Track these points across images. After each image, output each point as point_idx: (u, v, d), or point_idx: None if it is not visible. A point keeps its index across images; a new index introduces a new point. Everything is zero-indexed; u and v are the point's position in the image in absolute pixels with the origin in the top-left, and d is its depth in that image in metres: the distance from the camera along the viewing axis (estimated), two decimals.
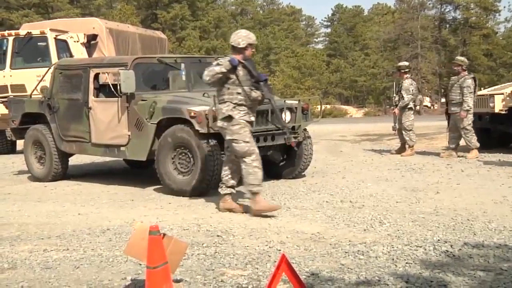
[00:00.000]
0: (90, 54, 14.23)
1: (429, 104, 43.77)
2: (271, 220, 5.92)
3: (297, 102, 8.20)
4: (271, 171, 8.56)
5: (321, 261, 4.48)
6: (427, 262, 4.36)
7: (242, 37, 6.23)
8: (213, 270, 4.33)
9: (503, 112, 10.49)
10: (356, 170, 9.28)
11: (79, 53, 13.58)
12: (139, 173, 9.88)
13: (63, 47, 13.08)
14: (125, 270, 4.40)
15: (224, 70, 6.07)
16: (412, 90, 10.90)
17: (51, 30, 12.92)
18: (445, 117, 11.25)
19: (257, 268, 4.33)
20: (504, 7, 53.82)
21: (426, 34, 44.18)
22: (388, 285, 3.91)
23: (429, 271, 4.15)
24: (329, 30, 73.32)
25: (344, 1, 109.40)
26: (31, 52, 12.91)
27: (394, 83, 11.69)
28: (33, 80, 12.37)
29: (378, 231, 5.34)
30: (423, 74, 41.89)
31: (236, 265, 4.44)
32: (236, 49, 6.24)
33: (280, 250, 4.76)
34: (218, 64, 6.08)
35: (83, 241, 5.30)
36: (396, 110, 10.89)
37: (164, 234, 3.81)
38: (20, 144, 14.68)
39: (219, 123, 6.25)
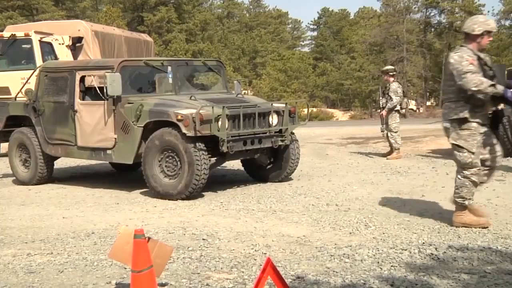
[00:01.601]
0: (75, 56, 14.12)
1: (414, 108, 44.05)
2: (257, 223, 5.92)
3: (284, 105, 8.18)
4: (258, 174, 8.61)
5: (307, 264, 4.48)
6: (412, 265, 4.38)
7: (478, 22, 5.28)
8: (198, 273, 4.32)
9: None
10: (342, 173, 9.31)
11: (64, 55, 13.46)
12: (124, 176, 9.83)
13: (48, 49, 12.95)
14: (110, 274, 4.38)
15: (493, 91, 5.13)
16: (400, 92, 10.95)
17: (36, 32, 12.80)
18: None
19: (242, 272, 4.33)
20: (488, 11, 54.35)
21: (411, 38, 44.46)
22: None
23: (414, 274, 4.17)
24: (315, 33, 73.57)
25: (330, 5, 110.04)
26: (15, 54, 12.77)
27: (380, 86, 11.72)
28: (17, 82, 12.24)
29: (364, 234, 5.36)
30: (408, 77, 42.15)
31: (221, 268, 4.43)
32: (469, 37, 5.30)
33: (265, 253, 4.76)
34: (492, 85, 5.12)
35: (67, 245, 5.27)
36: (384, 112, 10.92)
37: (149, 238, 3.79)
38: (4, 147, 14.56)
39: (446, 124, 5.44)
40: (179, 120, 7.16)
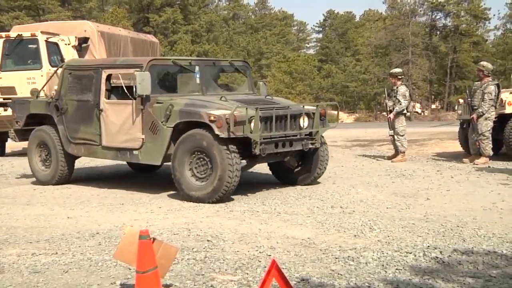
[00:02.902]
0: (81, 57, 14.16)
1: (419, 111, 43.95)
2: (262, 225, 5.91)
3: (315, 107, 7.97)
4: (286, 177, 8.41)
5: (312, 266, 4.48)
6: (417, 268, 4.37)
7: None
8: (203, 275, 4.31)
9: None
10: (346, 175, 9.29)
11: (70, 56, 13.48)
12: (130, 176, 9.84)
13: (54, 50, 13.00)
14: (115, 275, 4.38)
15: None
16: (407, 96, 10.92)
17: (42, 32, 12.84)
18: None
19: (247, 274, 4.32)
20: (494, 15, 54.40)
21: (417, 41, 44.40)
22: None
23: (419, 277, 4.16)
24: (320, 35, 73.58)
25: (336, 7, 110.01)
26: (21, 54, 12.82)
27: (385, 89, 11.68)
28: (23, 82, 12.30)
29: (368, 237, 5.35)
30: (413, 80, 42.09)
31: (226, 270, 4.43)
32: None
33: (270, 255, 4.76)
34: None
35: (72, 245, 5.27)
36: (391, 115, 10.87)
37: (154, 239, 3.80)
38: (9, 146, 14.60)
39: None
40: (211, 121, 6.97)
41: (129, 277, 4.26)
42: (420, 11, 47.65)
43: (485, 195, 7.37)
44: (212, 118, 6.98)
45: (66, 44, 13.49)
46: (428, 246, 4.95)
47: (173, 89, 8.21)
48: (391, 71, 11.72)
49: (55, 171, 8.84)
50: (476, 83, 10.55)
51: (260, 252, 4.89)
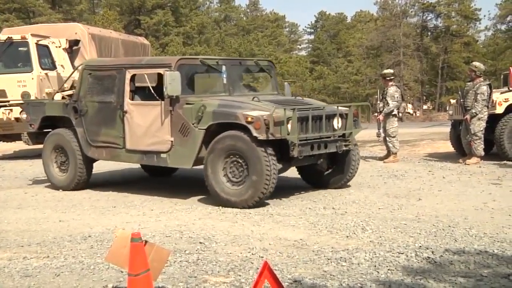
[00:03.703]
0: (72, 60, 14.13)
1: (411, 111, 44.10)
2: (254, 227, 5.91)
3: (348, 108, 7.71)
4: (317, 180, 8.15)
5: (304, 268, 4.48)
6: (409, 269, 4.39)
7: None
8: (195, 277, 4.31)
9: None
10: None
11: (61, 58, 13.47)
12: (121, 179, 9.80)
13: (44, 52, 12.96)
14: (107, 278, 4.37)
15: None
16: (397, 97, 10.94)
17: (32, 35, 12.80)
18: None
19: (239, 275, 4.32)
20: (484, 15, 54.52)
21: (408, 42, 44.53)
22: None
23: (410, 278, 4.17)
24: (312, 37, 73.56)
25: (327, 8, 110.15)
26: (11, 57, 12.76)
27: (378, 90, 11.71)
28: (14, 85, 12.25)
29: (361, 238, 5.36)
30: (405, 81, 42.22)
31: (218, 272, 4.43)
32: None
33: (262, 257, 4.76)
34: None
35: (64, 248, 5.25)
36: (381, 116, 10.90)
37: (146, 241, 3.79)
38: (0, 150, 14.53)
39: None
40: (248, 122, 6.73)
41: (121, 280, 4.24)
42: (411, 12, 47.81)
43: (476, 195, 7.41)
44: (249, 119, 6.74)
45: (57, 46, 13.46)
46: (420, 246, 4.96)
47: (201, 90, 7.95)
48: (381, 73, 11.75)
49: (73, 176, 8.51)
50: (468, 83, 10.60)
51: (252, 254, 4.90)
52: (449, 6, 46.48)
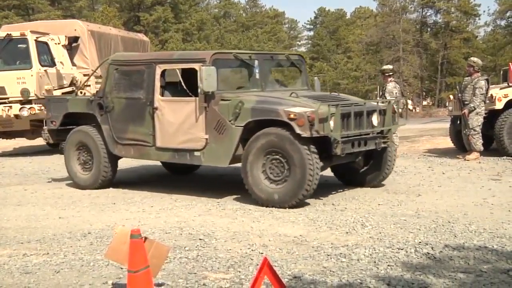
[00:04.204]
0: (71, 56, 14.12)
1: (411, 107, 44.07)
2: (254, 223, 5.92)
3: (386, 104, 7.50)
4: (352, 179, 7.88)
5: (304, 264, 4.48)
6: (408, 264, 4.39)
7: None
8: (195, 273, 4.31)
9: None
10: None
11: (60, 55, 13.46)
12: (120, 176, 9.79)
13: (44, 49, 12.95)
14: (107, 274, 4.37)
15: None
16: (396, 93, 10.93)
17: (32, 32, 12.78)
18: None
19: (239, 272, 4.32)
20: (484, 11, 54.59)
21: (407, 38, 44.49)
22: (370, 287, 3.93)
23: (410, 273, 4.18)
24: (312, 33, 73.51)
25: (327, 4, 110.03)
26: (11, 54, 12.74)
27: (378, 86, 11.71)
28: (13, 82, 12.24)
29: (360, 234, 5.36)
30: (405, 77, 42.20)
31: (218, 268, 4.43)
32: None
33: (262, 253, 4.76)
34: None
35: (63, 245, 5.25)
36: None
37: (146, 238, 3.79)
38: (0, 147, 14.52)
39: None
40: (291, 119, 6.48)
41: (121, 277, 4.25)
42: (411, 8, 47.75)
43: (476, 191, 7.41)
44: (292, 116, 6.49)
45: (56, 43, 13.45)
46: (420, 242, 4.97)
47: (234, 85, 7.72)
48: (380, 68, 11.73)
49: (97, 175, 8.26)
50: (466, 78, 10.60)
51: (252, 250, 4.90)
52: (449, 1, 46.41)
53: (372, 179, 7.78)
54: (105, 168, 8.21)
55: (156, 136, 7.61)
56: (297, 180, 6.52)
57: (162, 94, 7.68)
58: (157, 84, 7.58)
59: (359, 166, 7.74)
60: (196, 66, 7.16)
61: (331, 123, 6.53)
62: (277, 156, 6.69)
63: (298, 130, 6.44)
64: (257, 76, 7.71)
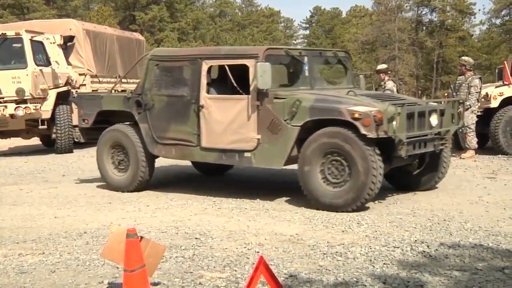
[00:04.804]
0: (66, 56, 14.09)
1: None
2: (250, 222, 5.92)
3: (445, 104, 7.17)
4: (404, 182, 7.44)
5: (300, 262, 4.49)
6: (404, 263, 4.40)
7: None
8: (191, 272, 4.31)
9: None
10: None
11: (55, 55, 13.43)
12: None
13: (39, 48, 12.90)
14: (102, 274, 4.37)
15: None
16: (395, 91, 10.97)
17: (27, 31, 12.74)
18: None
19: (235, 270, 4.33)
20: (479, 10, 54.62)
21: (403, 36, 44.62)
22: (365, 286, 3.94)
23: (406, 272, 4.19)
24: (307, 32, 73.63)
25: (322, 3, 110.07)
26: (5, 53, 12.68)
27: (374, 85, 11.72)
28: (8, 81, 12.20)
29: (356, 232, 5.37)
30: (400, 75, 42.29)
31: (214, 267, 4.43)
32: None
33: (258, 252, 4.76)
34: None
35: (59, 245, 5.24)
36: None
37: (142, 237, 3.79)
38: None
39: None
40: (355, 119, 6.13)
41: (117, 276, 4.24)
42: (406, 6, 47.89)
43: (471, 189, 7.43)
44: (356, 115, 6.14)
45: (51, 42, 13.42)
46: (415, 240, 4.98)
47: (285, 83, 7.38)
48: (376, 69, 11.74)
49: (134, 176, 7.82)
50: (460, 77, 10.65)
51: (248, 249, 4.90)
52: (444, 0, 46.54)
53: (426, 182, 7.38)
54: (142, 169, 7.78)
55: (201, 135, 7.23)
56: (359, 184, 6.15)
57: (208, 92, 7.26)
58: (203, 81, 7.20)
59: (413, 168, 7.37)
60: (247, 62, 6.83)
61: (395, 123, 6.20)
62: (338, 158, 6.32)
63: (363, 131, 6.09)
64: (306, 73, 7.41)
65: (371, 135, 6.09)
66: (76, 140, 8.65)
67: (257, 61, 6.64)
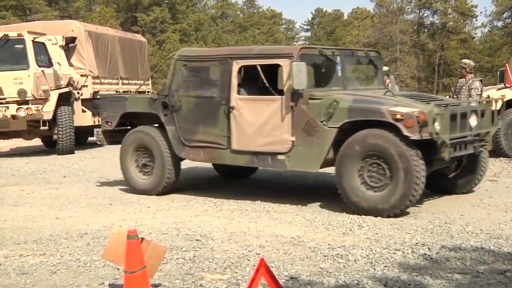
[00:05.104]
0: (68, 57, 14.11)
1: None
2: (251, 223, 5.91)
3: (485, 104, 7.02)
4: (440, 185, 7.19)
5: (300, 264, 4.48)
6: (405, 265, 4.39)
7: None
8: (192, 274, 4.31)
9: None
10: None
11: (57, 56, 13.44)
12: (117, 176, 9.75)
13: (41, 50, 12.91)
14: (103, 275, 4.36)
15: None
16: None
17: (29, 32, 12.75)
18: None
19: (236, 272, 4.32)
20: (481, 12, 54.77)
21: (405, 38, 44.65)
22: None
23: (407, 274, 4.18)
24: (309, 33, 73.64)
25: (324, 5, 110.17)
26: (8, 54, 12.70)
27: None
28: (10, 82, 12.22)
29: (357, 235, 5.37)
30: (402, 78, 42.27)
31: (215, 269, 4.43)
32: None
33: (259, 254, 4.76)
34: None
35: (60, 246, 5.24)
36: None
37: (143, 239, 3.79)
38: None
39: None
40: (397, 120, 5.93)
41: (117, 277, 4.24)
42: (408, 8, 47.93)
43: (472, 192, 7.41)
44: (398, 116, 5.94)
45: (53, 44, 13.44)
46: (417, 243, 4.97)
47: (319, 83, 7.14)
48: None
49: (159, 179, 7.65)
50: (461, 80, 10.66)
51: (249, 251, 4.90)
52: (446, 2, 46.56)
53: (463, 185, 7.21)
54: (168, 172, 7.60)
55: (231, 138, 7.04)
56: (401, 188, 5.95)
57: (238, 92, 7.09)
58: (234, 81, 7.01)
59: (450, 171, 7.12)
60: (281, 61, 6.66)
61: (437, 124, 6.01)
62: (377, 161, 6.12)
63: (406, 132, 5.90)
64: (339, 73, 7.25)
65: (414, 136, 5.89)
66: (98, 143, 8.37)
67: (292, 60, 6.48)
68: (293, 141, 6.62)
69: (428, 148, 6.10)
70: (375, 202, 6.11)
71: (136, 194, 7.78)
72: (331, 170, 9.65)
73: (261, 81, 6.92)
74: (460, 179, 7.18)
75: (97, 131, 8.29)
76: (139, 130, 7.93)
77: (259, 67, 6.87)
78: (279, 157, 6.75)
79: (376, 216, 6.05)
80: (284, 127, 6.66)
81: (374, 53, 8.04)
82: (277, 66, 6.71)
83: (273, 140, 6.74)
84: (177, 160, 7.66)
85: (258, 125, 6.84)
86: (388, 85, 8.61)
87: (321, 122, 6.43)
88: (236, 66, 7.01)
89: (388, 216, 6.03)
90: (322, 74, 7.29)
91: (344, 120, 6.32)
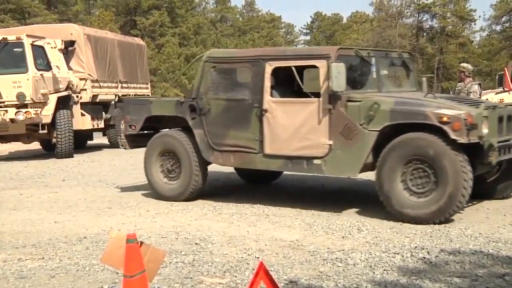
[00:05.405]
0: (67, 60, 14.12)
1: None
2: (250, 227, 5.91)
3: None
4: (478, 190, 6.61)
5: (300, 268, 4.48)
6: (404, 269, 4.40)
7: None
8: (191, 278, 4.31)
9: None
10: (334, 177, 9.30)
11: (56, 59, 13.45)
12: (115, 180, 9.75)
13: (39, 53, 12.93)
14: (102, 279, 4.36)
15: None
16: None
17: (28, 36, 12.76)
18: None
19: (235, 276, 4.32)
20: (480, 16, 54.82)
21: (404, 42, 44.74)
22: None
23: (406, 278, 4.18)
24: (308, 37, 73.79)
25: (323, 9, 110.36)
26: (6, 58, 12.70)
27: None
28: (9, 86, 12.22)
29: (356, 238, 5.37)
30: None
31: (214, 273, 4.43)
32: None
33: (258, 257, 4.76)
34: None
35: (59, 250, 5.24)
36: None
37: (142, 242, 3.78)
38: None
39: None
40: (443, 123, 5.71)
41: (116, 281, 4.24)
42: (407, 12, 48.04)
43: (471, 195, 7.40)
44: (445, 119, 5.72)
45: (52, 47, 13.45)
46: (416, 247, 4.98)
47: (355, 85, 6.88)
48: None
49: (186, 184, 7.41)
50: (459, 84, 10.69)
51: (248, 255, 4.89)
52: (445, 6, 46.68)
53: (501, 190, 7.00)
54: (195, 177, 7.38)
55: (264, 141, 6.81)
56: (447, 194, 5.72)
57: (271, 95, 6.87)
58: (267, 83, 6.79)
59: (489, 175, 6.82)
60: (317, 62, 6.43)
61: (484, 127, 5.82)
62: (421, 166, 5.89)
63: (453, 136, 5.67)
64: (374, 75, 7.09)
65: (462, 140, 5.68)
66: (121, 147, 8.24)
67: (330, 61, 6.27)
68: (330, 145, 6.41)
69: (472, 152, 5.89)
70: (420, 209, 5.89)
71: (162, 200, 7.57)
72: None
73: (296, 83, 6.74)
74: (499, 184, 6.97)
75: (121, 136, 8.05)
76: (164, 134, 7.75)
77: (293, 69, 6.63)
78: (315, 161, 6.52)
79: (420, 224, 5.83)
80: (321, 131, 6.45)
81: (407, 55, 7.87)
82: (313, 67, 6.51)
83: (309, 144, 6.53)
84: (204, 164, 7.46)
85: (293, 129, 6.63)
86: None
87: (361, 125, 6.20)
88: (269, 68, 6.80)
89: (434, 223, 5.83)
90: (358, 75, 7.08)
91: (386, 123, 6.10)
